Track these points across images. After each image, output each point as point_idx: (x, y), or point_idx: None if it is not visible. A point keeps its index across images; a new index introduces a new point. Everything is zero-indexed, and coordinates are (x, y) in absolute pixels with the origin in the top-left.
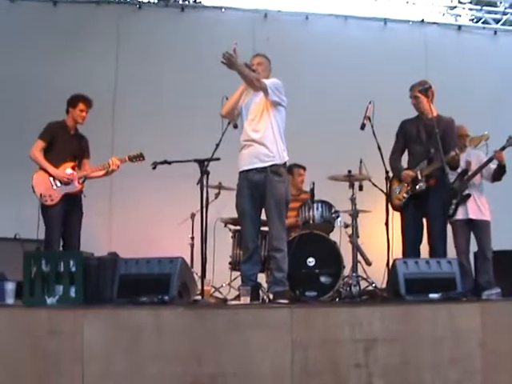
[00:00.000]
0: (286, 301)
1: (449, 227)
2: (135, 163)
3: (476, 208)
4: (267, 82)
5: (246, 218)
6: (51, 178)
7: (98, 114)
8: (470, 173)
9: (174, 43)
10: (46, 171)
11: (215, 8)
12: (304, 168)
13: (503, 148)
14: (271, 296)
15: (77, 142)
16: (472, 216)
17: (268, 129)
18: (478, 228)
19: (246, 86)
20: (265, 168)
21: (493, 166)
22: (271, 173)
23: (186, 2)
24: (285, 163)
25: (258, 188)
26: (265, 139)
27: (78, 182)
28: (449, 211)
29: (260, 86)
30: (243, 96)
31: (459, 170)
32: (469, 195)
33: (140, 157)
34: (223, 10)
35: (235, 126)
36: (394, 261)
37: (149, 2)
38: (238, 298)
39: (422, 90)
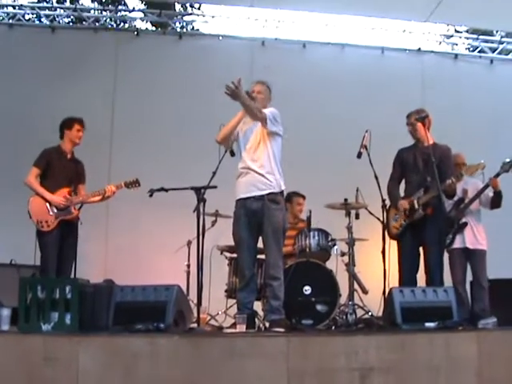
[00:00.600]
0: (281, 329)
1: (446, 256)
2: (131, 189)
3: (473, 237)
4: (266, 112)
5: (243, 246)
6: (47, 204)
7: (95, 140)
8: (466, 201)
9: (171, 70)
10: (42, 197)
11: (213, 36)
12: (303, 197)
13: (498, 175)
14: (267, 324)
15: (73, 167)
16: (469, 245)
17: (266, 158)
18: (474, 257)
19: (243, 113)
20: (262, 196)
21: (490, 193)
22: (269, 201)
23: (184, 30)
24: (282, 191)
25: (255, 216)
26: (263, 168)
27: (74, 208)
28: (446, 241)
29: (261, 117)
30: (240, 124)
31: (456, 199)
32: (465, 224)
33: (136, 183)
34: (221, 37)
35: (232, 154)
36: (391, 289)
37: (147, 29)
38: (233, 325)
39: (419, 118)
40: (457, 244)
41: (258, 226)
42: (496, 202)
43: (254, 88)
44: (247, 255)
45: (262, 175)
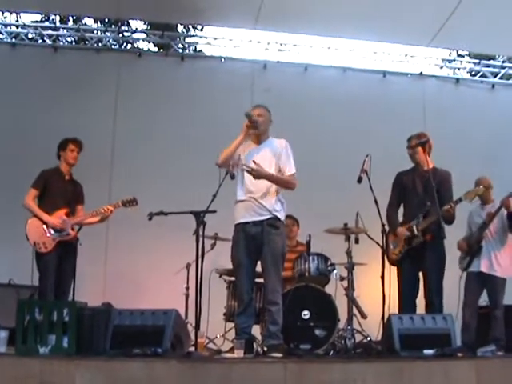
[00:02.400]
0: (279, 354)
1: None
2: (129, 209)
3: (487, 262)
4: (292, 167)
5: (242, 270)
6: (44, 226)
7: (96, 161)
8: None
9: (173, 92)
10: (39, 218)
11: (215, 58)
12: (294, 219)
13: (510, 195)
14: (265, 348)
15: (71, 188)
16: (483, 269)
17: (268, 185)
18: (489, 283)
19: (244, 136)
20: (262, 221)
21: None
22: (268, 226)
23: (186, 52)
24: (282, 219)
25: (254, 240)
26: (264, 196)
27: (72, 229)
28: (463, 263)
29: (294, 184)
30: (242, 147)
31: (480, 222)
32: (480, 247)
33: (133, 201)
34: (223, 59)
35: (232, 177)
36: (389, 316)
37: (149, 50)
38: (232, 350)
39: (419, 143)
40: (473, 267)
41: (257, 250)
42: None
43: (253, 112)
44: (246, 279)
45: (263, 200)
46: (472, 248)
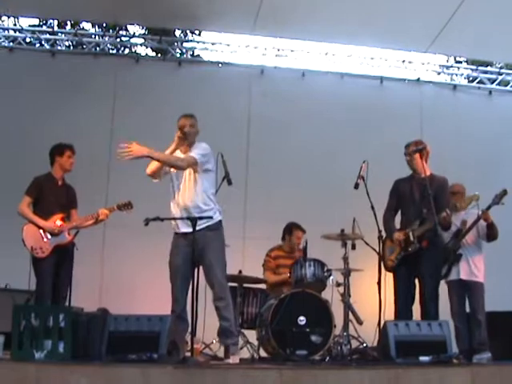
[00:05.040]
0: (235, 361)
1: (443, 288)
2: (124, 213)
3: (467, 269)
4: (195, 153)
5: (178, 275)
6: (41, 231)
7: (93, 165)
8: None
9: (170, 97)
10: (35, 224)
11: (212, 63)
12: (304, 231)
13: (489, 207)
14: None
15: (64, 193)
16: (463, 277)
17: (201, 197)
18: (469, 289)
19: (175, 147)
20: (200, 230)
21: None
22: (207, 230)
23: (184, 57)
24: (219, 221)
25: (195, 244)
26: (198, 208)
27: (68, 233)
28: (442, 271)
29: (188, 165)
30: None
31: (454, 230)
32: (460, 255)
33: (128, 205)
34: (220, 65)
35: (229, 183)
36: (385, 323)
37: (147, 54)
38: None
39: (417, 149)
40: (453, 276)
41: (199, 255)
42: (490, 234)
43: (184, 123)
44: (182, 284)
45: (198, 210)
46: (449, 256)
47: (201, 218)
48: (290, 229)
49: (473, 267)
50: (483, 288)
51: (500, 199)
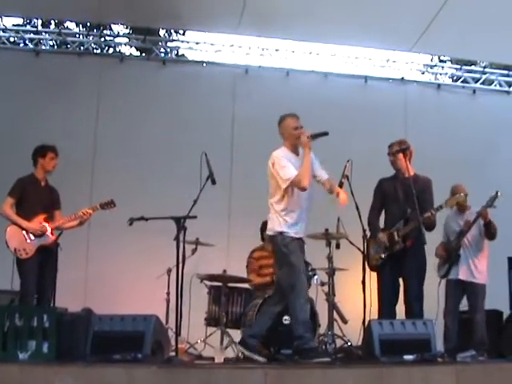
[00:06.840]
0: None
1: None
2: (108, 212)
3: (466, 269)
4: None
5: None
6: (24, 232)
7: (77, 165)
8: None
9: (155, 96)
10: (18, 225)
11: (197, 62)
12: None
13: (486, 206)
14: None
15: (47, 194)
16: (461, 277)
17: None
18: (468, 290)
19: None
20: None
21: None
22: None
23: (168, 56)
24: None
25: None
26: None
27: (52, 234)
28: (441, 271)
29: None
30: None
31: (458, 230)
32: (458, 256)
33: (111, 204)
34: (205, 64)
35: (213, 182)
36: (369, 322)
37: (131, 54)
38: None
39: (400, 150)
40: (452, 275)
41: None
42: (488, 233)
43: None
44: None
45: None
46: (451, 256)
47: None
48: (265, 226)
49: (473, 268)
50: (484, 289)
51: (493, 202)
